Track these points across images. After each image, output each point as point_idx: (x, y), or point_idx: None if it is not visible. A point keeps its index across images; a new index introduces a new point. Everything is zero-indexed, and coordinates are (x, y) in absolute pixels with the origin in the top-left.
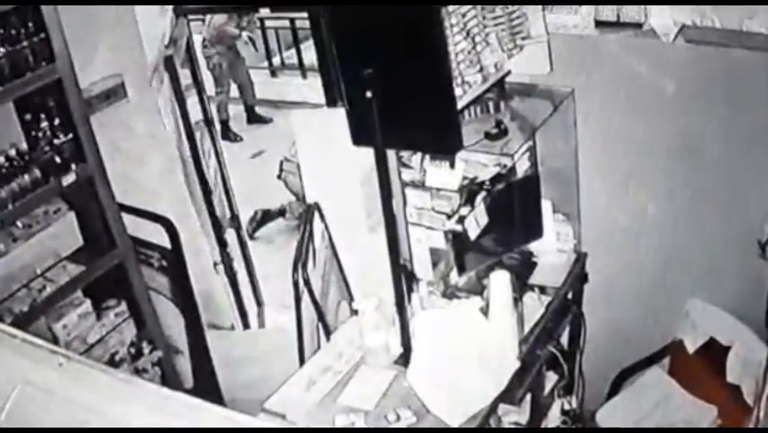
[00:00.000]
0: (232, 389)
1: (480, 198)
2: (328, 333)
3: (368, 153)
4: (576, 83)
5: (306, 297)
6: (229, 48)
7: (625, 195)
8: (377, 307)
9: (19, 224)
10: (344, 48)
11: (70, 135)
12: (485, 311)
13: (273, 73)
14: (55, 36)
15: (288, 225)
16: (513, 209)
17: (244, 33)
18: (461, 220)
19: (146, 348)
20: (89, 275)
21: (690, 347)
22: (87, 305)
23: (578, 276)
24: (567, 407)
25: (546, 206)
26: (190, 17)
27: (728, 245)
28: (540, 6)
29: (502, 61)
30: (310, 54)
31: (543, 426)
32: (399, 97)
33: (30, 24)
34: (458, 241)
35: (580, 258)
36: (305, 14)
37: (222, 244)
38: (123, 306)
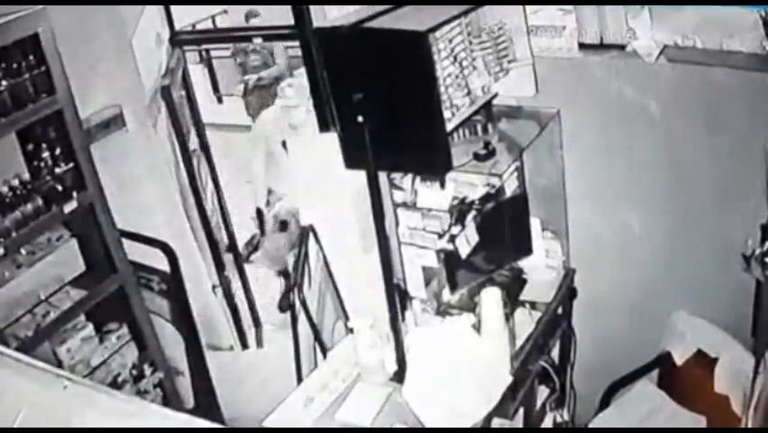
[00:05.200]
0: (232, 408)
1: (470, 217)
2: (324, 351)
3: (360, 176)
4: (561, 104)
5: (302, 317)
6: None
7: (611, 211)
8: (371, 325)
9: (23, 251)
10: (336, 74)
11: (71, 164)
12: (477, 328)
13: None
14: (55, 69)
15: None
16: (502, 228)
17: None
18: (453, 239)
19: (147, 370)
20: (91, 300)
21: (679, 359)
22: (90, 329)
23: (567, 291)
24: (559, 420)
25: (535, 223)
26: (185, 47)
27: (714, 259)
28: (524, 30)
29: (489, 84)
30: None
31: None
32: (390, 121)
33: (30, 58)
34: (449, 259)
35: (569, 274)
36: (296, 42)
37: (220, 267)
38: (125, 329)
